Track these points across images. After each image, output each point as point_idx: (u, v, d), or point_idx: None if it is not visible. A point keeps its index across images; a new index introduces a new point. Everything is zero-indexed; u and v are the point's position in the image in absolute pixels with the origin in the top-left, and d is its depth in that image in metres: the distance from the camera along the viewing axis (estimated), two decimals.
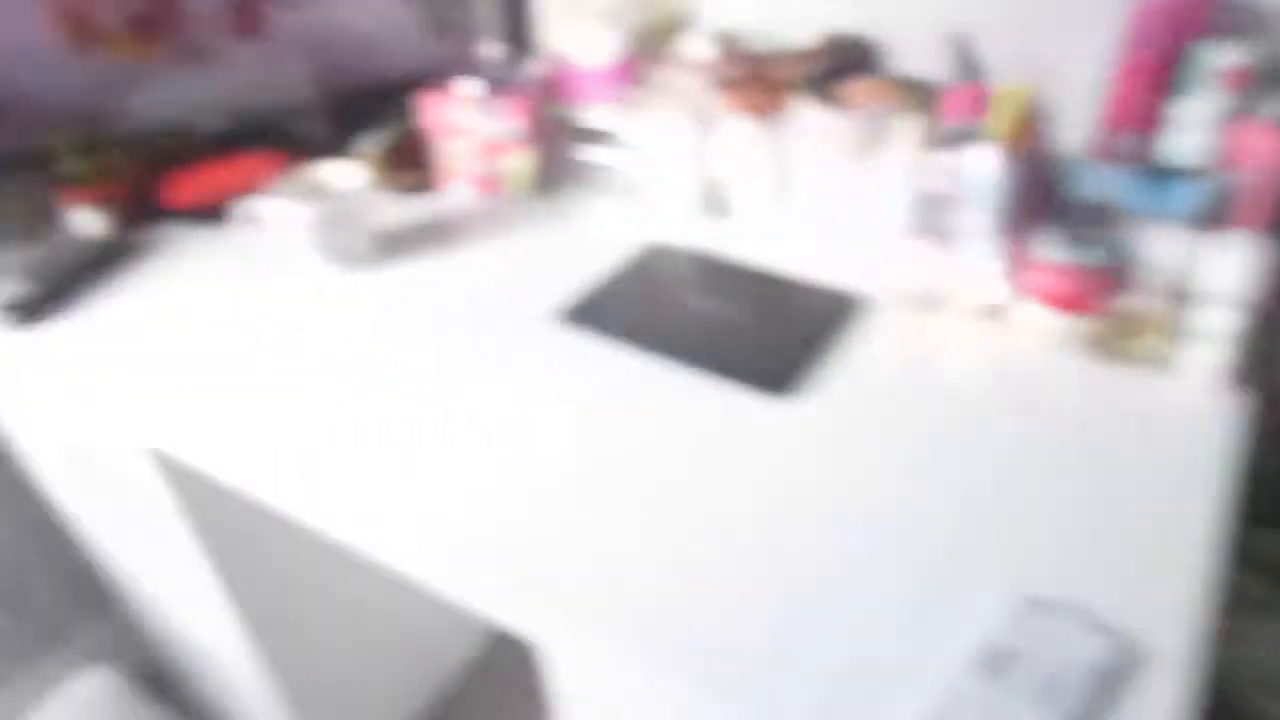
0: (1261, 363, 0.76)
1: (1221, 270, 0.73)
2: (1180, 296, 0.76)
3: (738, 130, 1.00)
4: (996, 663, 0.58)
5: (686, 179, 1.06)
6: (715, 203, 1.06)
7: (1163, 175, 0.77)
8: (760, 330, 0.87)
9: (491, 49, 1.16)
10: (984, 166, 0.80)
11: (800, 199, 1.00)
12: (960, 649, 0.59)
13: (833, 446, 0.74)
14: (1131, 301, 0.79)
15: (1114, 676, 0.58)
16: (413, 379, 0.83)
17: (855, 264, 0.95)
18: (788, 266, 0.96)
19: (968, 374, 0.82)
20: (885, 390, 0.80)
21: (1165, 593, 0.62)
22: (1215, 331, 0.75)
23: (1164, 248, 0.77)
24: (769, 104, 0.98)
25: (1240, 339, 0.74)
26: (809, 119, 0.94)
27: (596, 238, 1.05)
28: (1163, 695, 0.56)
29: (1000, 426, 0.75)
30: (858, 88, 0.91)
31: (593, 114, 1.11)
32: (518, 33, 1.24)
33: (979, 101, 0.78)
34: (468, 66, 1.13)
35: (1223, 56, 0.75)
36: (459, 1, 1.25)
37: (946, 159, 0.81)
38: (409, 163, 1.14)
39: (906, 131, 0.87)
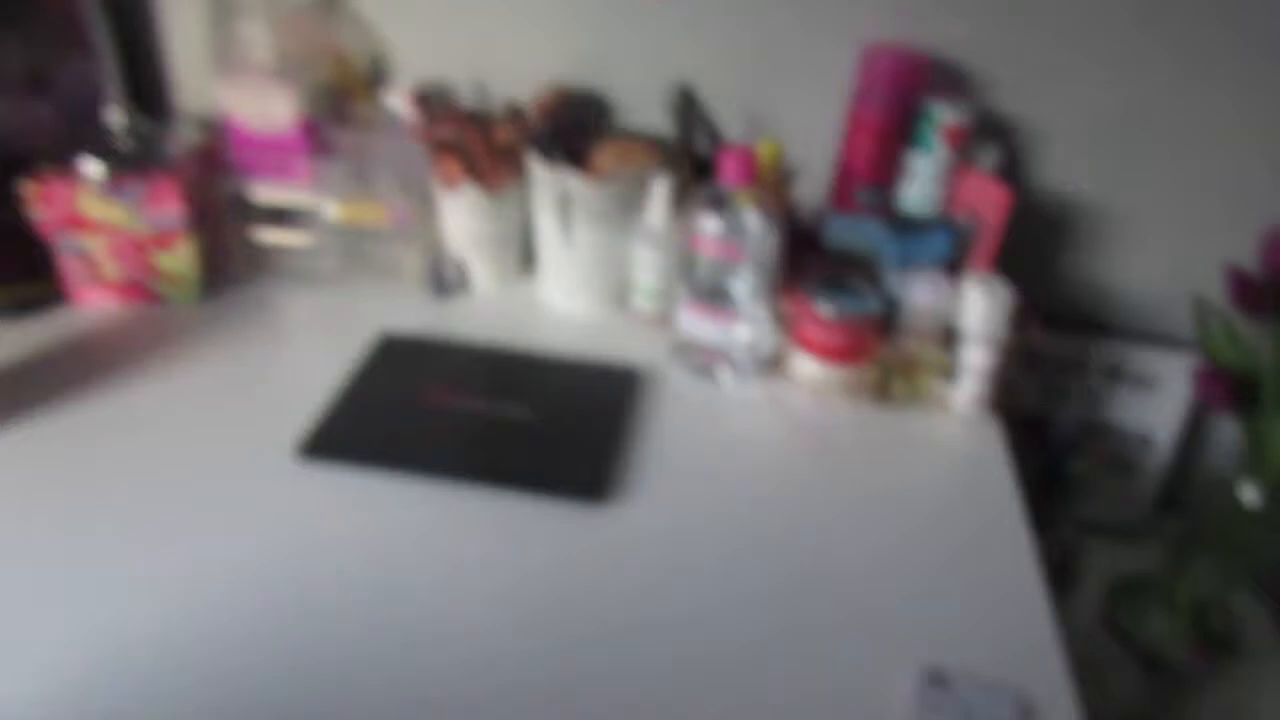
0: (1005, 388, 0.83)
1: (972, 309, 0.79)
2: (941, 336, 0.81)
3: (463, 201, 0.89)
4: None
5: (411, 256, 0.92)
6: (450, 283, 0.93)
7: (908, 224, 0.81)
8: (550, 427, 0.76)
9: (114, 114, 0.91)
10: (755, 226, 0.79)
11: (554, 271, 0.92)
12: None
13: (663, 544, 0.67)
14: (901, 345, 0.82)
15: None
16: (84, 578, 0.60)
17: (627, 337, 0.89)
18: (553, 346, 0.87)
19: (764, 433, 0.80)
20: (696, 469, 0.74)
21: (1017, 622, 0.64)
22: (974, 368, 0.81)
23: (920, 293, 0.81)
24: (494, 170, 0.88)
25: (993, 370, 0.81)
26: (550, 185, 0.86)
27: (306, 340, 0.87)
28: None
29: (811, 485, 0.74)
30: (605, 151, 0.85)
31: (272, 190, 0.92)
32: (147, 92, 1.00)
33: (749, 162, 0.76)
34: (87, 138, 0.87)
35: (944, 114, 0.81)
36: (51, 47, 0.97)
37: (716, 222, 0.79)
38: (17, 272, 0.85)
39: (663, 194, 0.83)
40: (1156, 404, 1.00)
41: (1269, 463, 0.88)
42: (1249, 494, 0.91)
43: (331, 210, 0.90)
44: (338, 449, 0.73)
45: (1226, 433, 1.04)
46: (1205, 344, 0.88)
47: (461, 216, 0.91)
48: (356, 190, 0.90)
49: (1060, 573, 0.89)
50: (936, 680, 0.60)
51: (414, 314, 0.90)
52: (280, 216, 0.93)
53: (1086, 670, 0.82)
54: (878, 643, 0.62)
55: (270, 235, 0.93)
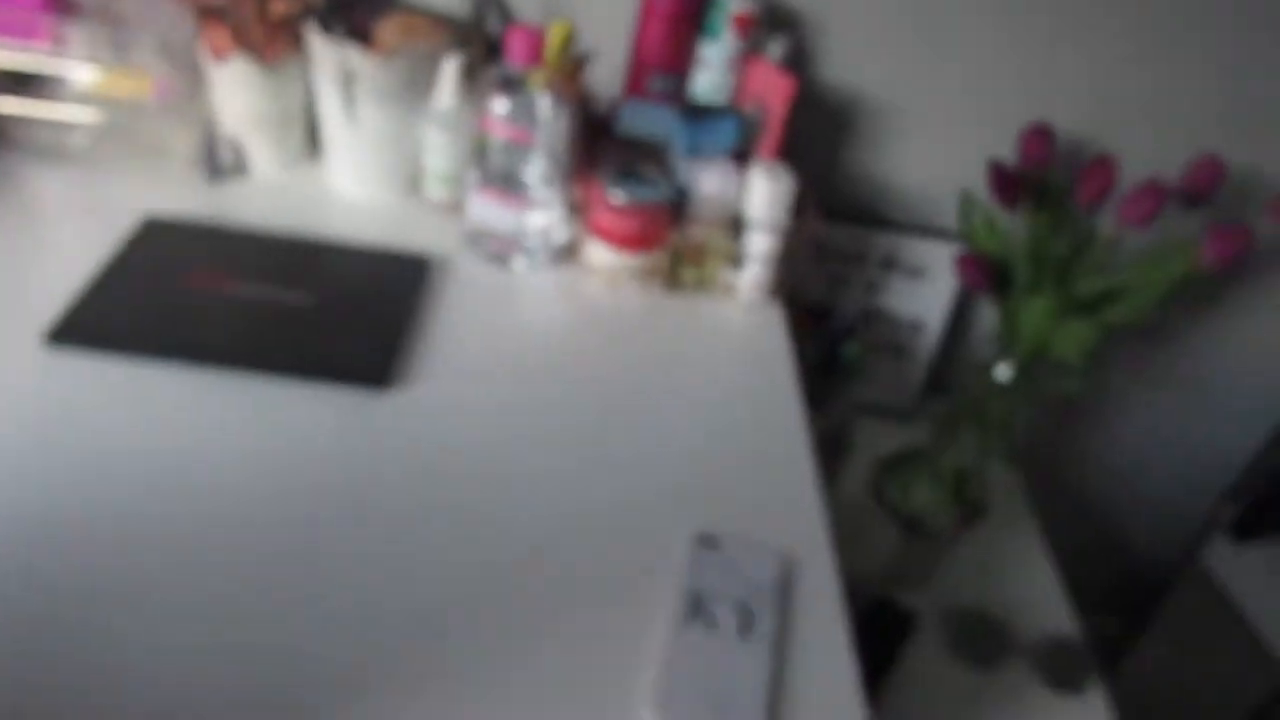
0: (796, 280, 0.88)
1: (756, 196, 0.82)
2: (729, 224, 0.84)
3: (235, 75, 0.83)
4: (696, 610, 0.59)
5: (179, 134, 0.84)
6: (224, 165, 0.87)
7: (698, 113, 0.83)
8: (333, 313, 0.74)
9: None
10: (546, 110, 0.77)
11: (339, 154, 0.87)
12: (661, 601, 0.59)
13: (451, 429, 0.67)
14: (690, 233, 0.84)
15: (783, 586, 0.63)
16: None
17: (417, 222, 0.86)
18: (339, 233, 0.83)
19: (557, 320, 0.80)
20: (486, 355, 0.75)
21: (787, 492, 0.69)
22: (757, 254, 0.84)
23: (708, 181, 0.83)
24: (269, 41, 0.82)
25: (776, 256, 0.84)
26: (331, 60, 0.81)
27: (57, 223, 0.79)
28: (821, 593, 0.63)
29: (600, 370, 0.76)
30: (389, 24, 0.80)
31: (11, 52, 0.82)
32: None
33: (537, 42, 0.74)
34: None
35: (733, 2, 0.82)
36: None
37: (506, 104, 0.77)
38: None
39: (452, 73, 0.80)
40: (928, 293, 1.08)
41: (1020, 340, 0.97)
42: (1003, 372, 1.01)
43: (81, 78, 0.81)
44: (94, 335, 0.68)
45: (988, 319, 1.14)
46: (967, 233, 0.96)
47: (234, 92, 0.84)
48: (110, 57, 0.81)
49: (833, 448, 0.96)
50: (707, 543, 0.64)
51: (184, 198, 0.84)
52: (22, 83, 0.83)
53: (852, 535, 0.90)
54: (657, 516, 0.65)
55: (10, 104, 0.83)
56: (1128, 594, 1.47)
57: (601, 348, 0.78)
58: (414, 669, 0.53)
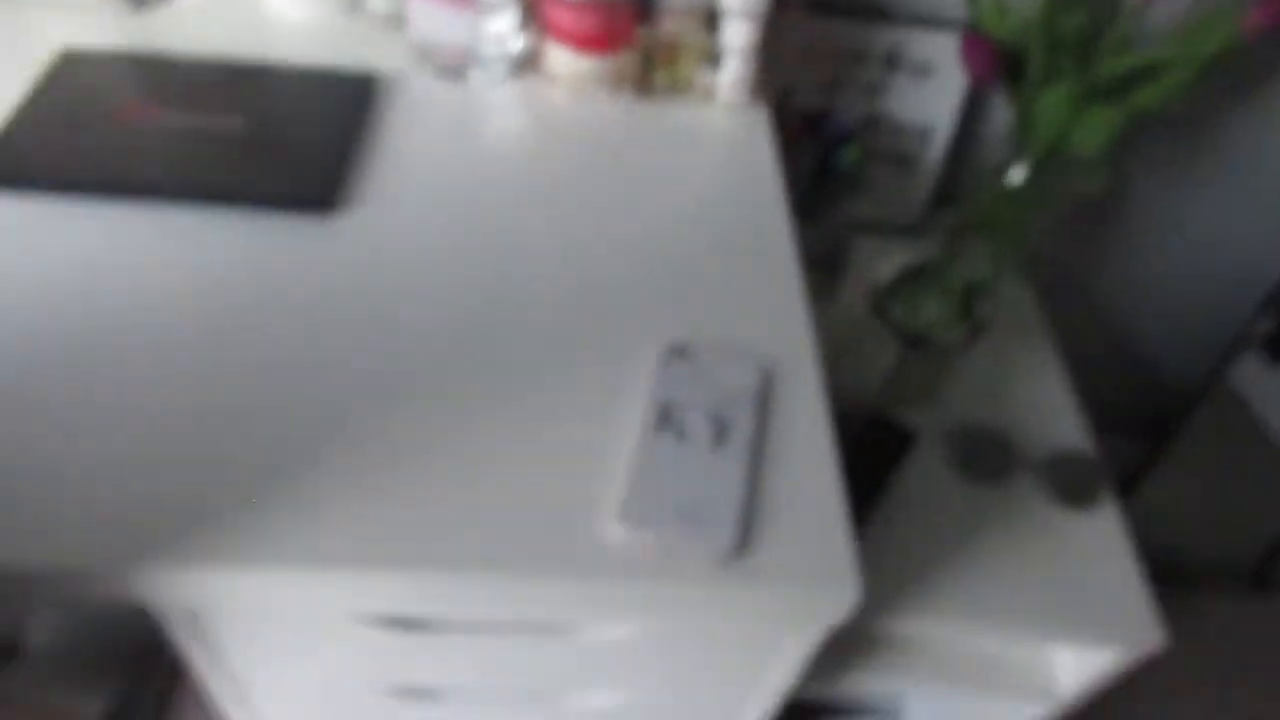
0: (771, 71, 0.79)
1: None
2: (703, 17, 0.75)
3: None
4: (666, 420, 0.55)
5: None
6: None
7: None
8: (271, 138, 0.68)
9: None
10: None
11: None
12: (631, 412, 0.55)
13: (410, 248, 0.62)
14: (661, 29, 0.76)
15: (762, 396, 0.58)
16: None
17: (361, 40, 0.79)
18: (275, 54, 0.76)
19: (517, 135, 0.74)
20: (441, 175, 0.69)
21: (773, 304, 0.64)
22: (736, 47, 0.76)
23: None
24: None
25: (757, 50, 0.76)
26: None
27: None
28: (804, 403, 0.59)
29: (567, 185, 0.70)
30: None
31: None
32: None
33: None
34: None
35: None
36: None
37: None
38: None
39: None
40: (936, 94, 0.99)
41: (1036, 136, 0.89)
42: (1016, 175, 0.93)
43: None
44: (16, 174, 0.63)
45: (1002, 122, 1.05)
46: (975, 18, 0.86)
47: None
48: None
49: (828, 263, 0.90)
50: (679, 353, 0.59)
51: (105, 29, 0.77)
52: None
53: (848, 349, 0.86)
54: (632, 330, 0.60)
55: None
56: (1149, 415, 1.41)
57: (568, 161, 0.72)
58: (378, 480, 0.50)
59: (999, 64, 0.86)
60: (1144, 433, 1.42)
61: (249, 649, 0.58)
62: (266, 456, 0.50)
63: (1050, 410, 0.92)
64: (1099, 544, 0.83)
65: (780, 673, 0.61)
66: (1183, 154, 1.09)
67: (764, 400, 0.58)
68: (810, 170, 0.88)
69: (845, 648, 0.87)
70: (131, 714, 0.72)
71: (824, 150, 0.88)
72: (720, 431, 0.55)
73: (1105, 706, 1.37)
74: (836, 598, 0.51)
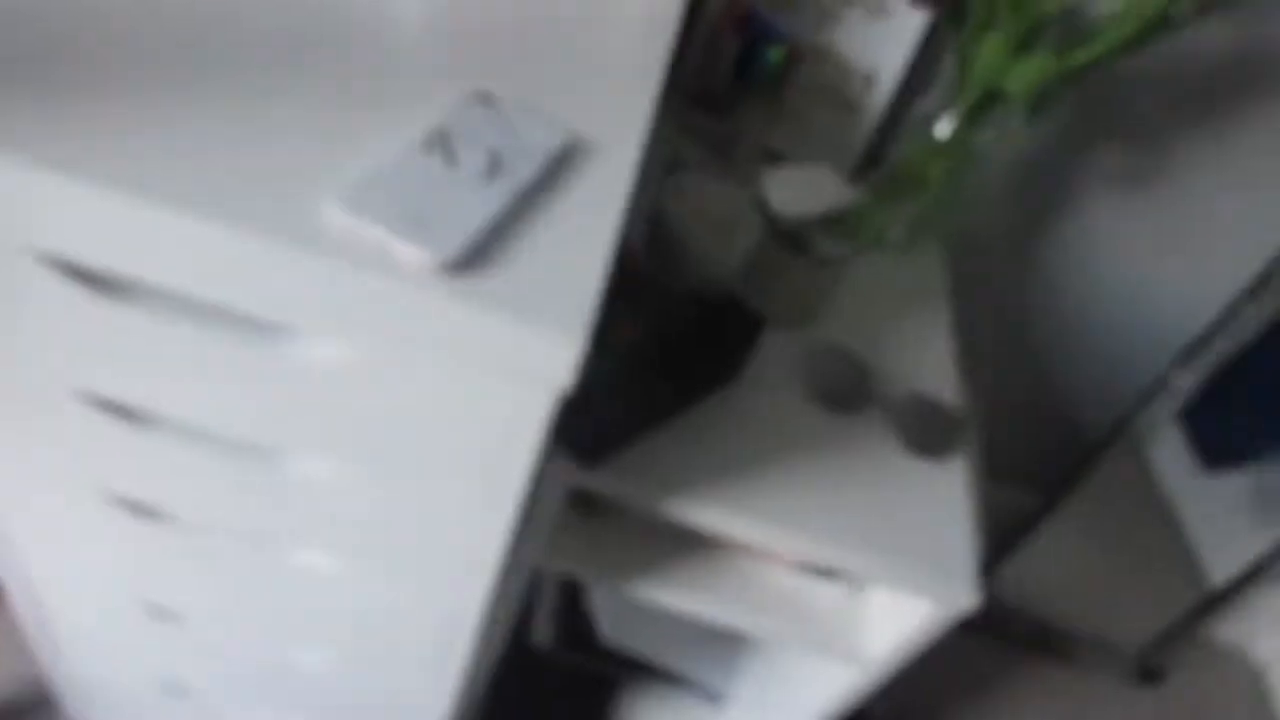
0: None
1: None
2: None
3: None
4: (439, 144, 0.51)
5: None
6: None
7: None
8: None
9: None
10: None
11: None
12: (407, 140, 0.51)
13: None
14: None
15: (559, 158, 0.54)
16: None
17: None
18: None
19: None
20: None
21: (613, 113, 0.60)
22: None
23: None
24: None
25: None
26: None
27: None
28: (604, 184, 0.54)
29: None
30: None
31: None
32: None
33: None
34: None
35: None
36: None
37: None
38: None
39: None
40: (888, 38, 0.96)
41: (971, 80, 0.86)
42: (943, 127, 0.90)
43: None
44: None
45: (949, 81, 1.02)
46: None
47: None
48: None
49: (724, 151, 0.86)
50: (483, 98, 0.55)
51: None
52: None
53: (720, 229, 0.81)
54: (452, 75, 0.57)
55: None
56: (1049, 463, 1.36)
57: None
58: (127, 107, 0.46)
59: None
60: (1041, 485, 1.36)
61: None
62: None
63: (925, 360, 0.87)
64: (939, 496, 0.78)
65: (513, 458, 0.56)
66: (1134, 171, 1.06)
67: (558, 163, 0.54)
68: (730, 63, 0.85)
69: (647, 540, 0.82)
70: None
71: (748, 46, 0.85)
72: (493, 169, 0.51)
73: None
74: (558, 344, 0.46)
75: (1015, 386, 1.32)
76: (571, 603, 1.08)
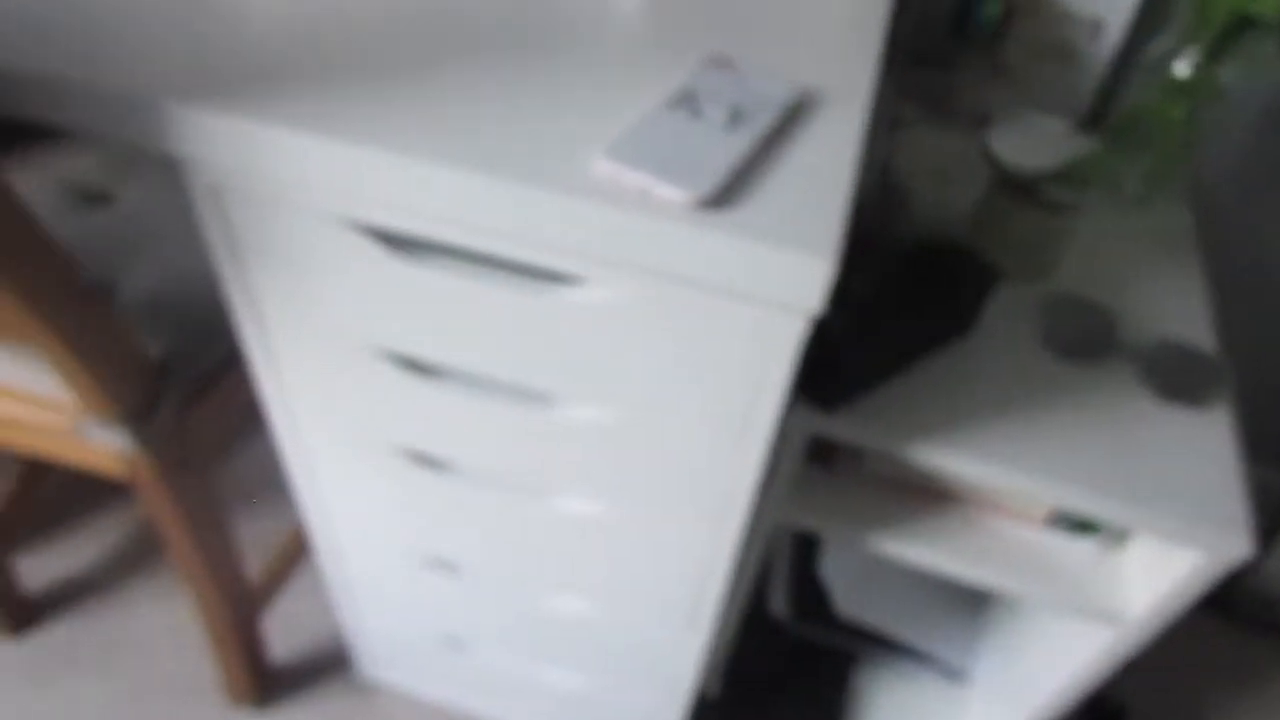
0: None
1: None
2: None
3: None
4: (685, 102, 0.56)
5: None
6: None
7: None
8: None
9: None
10: None
11: None
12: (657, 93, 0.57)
13: None
14: None
15: (794, 110, 0.58)
16: None
17: None
18: None
19: None
20: None
21: (840, 67, 0.63)
22: None
23: None
24: None
25: None
26: None
27: None
28: (838, 128, 0.58)
29: None
30: None
31: None
32: None
33: None
34: None
35: None
36: None
37: None
38: None
39: None
40: None
41: (1209, 13, 0.82)
42: (1182, 67, 0.86)
43: None
44: None
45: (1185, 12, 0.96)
46: None
47: None
48: None
49: (943, 104, 0.86)
50: (720, 61, 0.60)
51: None
52: None
53: (946, 180, 0.81)
54: (688, 43, 0.62)
55: None
56: None
57: None
58: (411, 88, 0.55)
59: None
60: None
61: (264, 261, 0.63)
62: (335, 39, 0.57)
63: (1173, 308, 0.83)
64: (1200, 443, 0.74)
65: (765, 393, 0.59)
66: None
67: (793, 114, 0.58)
68: (947, 17, 0.85)
69: (888, 495, 0.82)
70: (181, 370, 0.81)
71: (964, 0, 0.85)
72: (734, 120, 0.56)
73: None
74: (810, 266, 0.50)
75: (1275, 361, 1.21)
76: (806, 575, 1.10)
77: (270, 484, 1.36)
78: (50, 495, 1.30)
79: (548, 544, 0.80)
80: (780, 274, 0.51)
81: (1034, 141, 0.81)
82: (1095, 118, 0.97)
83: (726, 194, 0.52)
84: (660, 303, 0.56)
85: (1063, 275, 0.85)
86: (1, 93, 0.56)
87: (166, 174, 0.96)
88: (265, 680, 1.13)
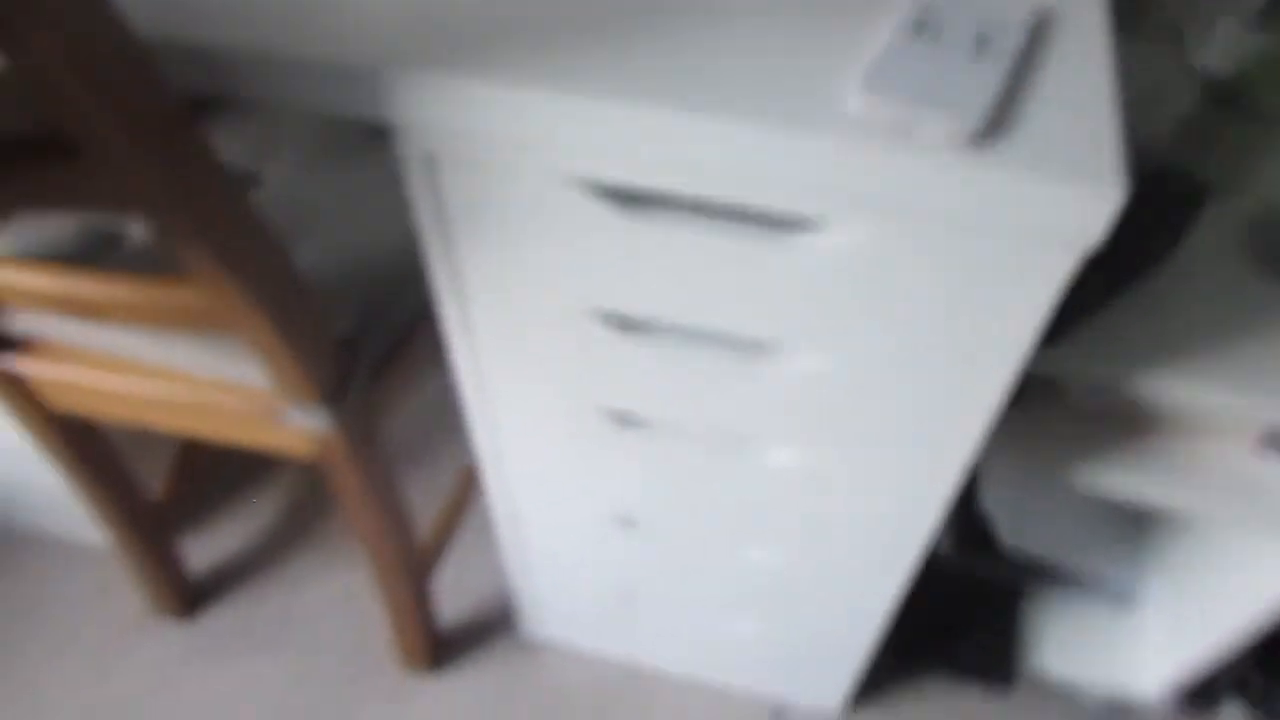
0: None
1: None
2: None
3: None
4: (925, 27, 0.53)
5: None
6: None
7: None
8: None
9: None
10: None
11: None
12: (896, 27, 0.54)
13: None
14: None
15: (1036, 28, 0.55)
16: None
17: None
18: None
19: None
20: None
21: None
22: None
23: None
24: None
25: None
26: None
27: None
28: (1086, 41, 0.54)
29: None
30: None
31: None
32: None
33: None
34: None
35: None
36: None
37: None
38: None
39: None
40: None
41: None
42: None
43: None
44: None
45: None
46: None
47: None
48: None
49: (1133, 13, 0.81)
50: None
51: None
52: None
53: (1150, 97, 0.77)
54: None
55: None
56: None
57: None
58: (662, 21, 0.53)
59: None
60: None
61: (472, 229, 0.62)
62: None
63: None
64: None
65: (1018, 329, 0.57)
66: None
67: (1037, 31, 0.54)
68: None
69: (1086, 424, 0.80)
70: (369, 346, 0.81)
71: None
72: (981, 44, 0.53)
73: None
74: (1098, 197, 0.47)
75: None
76: (969, 510, 1.09)
77: (431, 430, 1.38)
78: (203, 477, 1.33)
79: (749, 498, 0.79)
80: (1062, 208, 0.48)
81: (1231, 43, 0.76)
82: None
83: (994, 126, 0.49)
84: (915, 243, 0.54)
85: (1268, 188, 0.81)
86: (213, 70, 0.55)
87: (313, 150, 0.95)
88: (437, 644, 1.15)
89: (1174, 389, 0.70)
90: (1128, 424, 0.82)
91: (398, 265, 0.83)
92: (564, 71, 0.52)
